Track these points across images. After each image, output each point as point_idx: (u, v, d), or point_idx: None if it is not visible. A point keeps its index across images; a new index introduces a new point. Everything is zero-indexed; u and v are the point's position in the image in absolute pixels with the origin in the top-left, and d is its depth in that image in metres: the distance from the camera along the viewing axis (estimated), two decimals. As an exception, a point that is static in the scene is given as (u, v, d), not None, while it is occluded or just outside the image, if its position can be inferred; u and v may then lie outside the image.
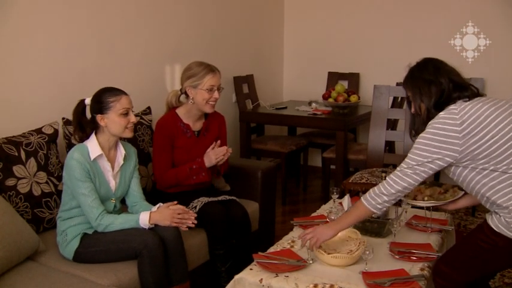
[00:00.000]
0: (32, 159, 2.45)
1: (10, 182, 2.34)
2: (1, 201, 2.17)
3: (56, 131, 2.64)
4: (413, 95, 2.07)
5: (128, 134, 2.38)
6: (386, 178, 2.01)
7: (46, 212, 2.46)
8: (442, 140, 1.90)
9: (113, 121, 2.31)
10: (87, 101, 2.39)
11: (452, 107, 1.94)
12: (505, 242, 1.88)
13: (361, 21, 4.88)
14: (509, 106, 1.94)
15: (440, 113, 1.95)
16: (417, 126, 2.09)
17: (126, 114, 2.33)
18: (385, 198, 1.98)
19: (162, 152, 2.73)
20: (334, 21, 5.01)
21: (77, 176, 2.23)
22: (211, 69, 2.73)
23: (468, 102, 1.94)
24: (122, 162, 2.42)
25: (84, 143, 2.34)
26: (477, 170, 1.92)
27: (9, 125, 2.58)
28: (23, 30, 2.68)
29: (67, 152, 2.66)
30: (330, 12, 5.03)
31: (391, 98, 3.80)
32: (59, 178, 2.56)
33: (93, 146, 2.32)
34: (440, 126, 1.91)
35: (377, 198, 2.00)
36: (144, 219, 2.29)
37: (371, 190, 2.04)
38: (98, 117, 2.32)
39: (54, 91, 2.88)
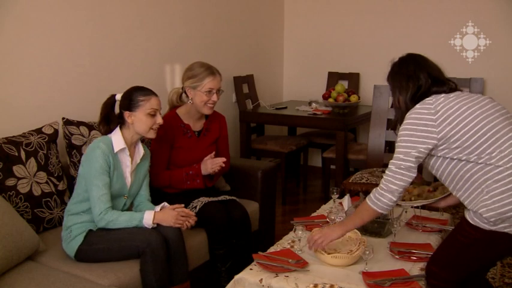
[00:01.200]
0: (32, 159, 2.45)
1: (10, 182, 2.34)
2: (1, 201, 2.16)
3: (56, 131, 2.64)
4: (393, 88, 2.15)
5: (152, 135, 2.41)
6: (384, 177, 2.01)
7: (46, 212, 2.46)
8: (420, 128, 1.94)
9: (140, 120, 2.34)
10: (118, 97, 2.42)
11: (427, 100, 2.00)
12: (481, 234, 1.88)
13: (361, 21, 4.88)
14: (482, 100, 1.99)
15: (416, 105, 2.01)
16: (396, 119, 2.17)
17: (153, 115, 2.36)
18: (389, 196, 1.99)
19: (159, 151, 2.73)
20: (334, 21, 5.01)
21: (97, 166, 2.25)
22: (211, 71, 2.72)
23: (443, 95, 2.00)
24: (138, 161, 2.44)
25: (108, 135, 2.37)
26: (453, 160, 1.94)
27: (9, 125, 2.58)
28: (22, 30, 2.69)
29: (67, 152, 2.67)
30: (330, 12, 5.03)
31: (391, 98, 3.79)
32: (59, 178, 2.56)
33: (117, 139, 2.35)
34: (416, 116, 1.97)
35: (382, 198, 2.00)
36: (148, 218, 2.29)
37: (374, 190, 2.04)
38: (126, 113, 2.35)
39: (54, 91, 2.88)
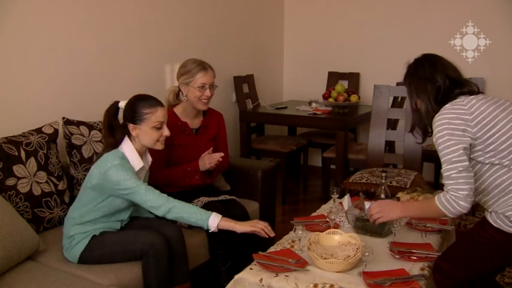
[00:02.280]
0: (32, 159, 2.45)
1: (10, 181, 2.34)
2: (1, 201, 2.16)
3: (56, 131, 2.63)
4: (410, 91, 2.10)
5: (159, 147, 2.30)
6: (447, 186, 1.91)
7: (46, 212, 2.46)
8: (458, 127, 1.89)
9: (145, 133, 2.24)
10: (121, 104, 2.30)
11: (458, 100, 1.96)
12: (503, 237, 1.88)
13: (362, 21, 4.88)
14: (509, 105, 1.97)
15: (446, 105, 1.96)
16: (414, 122, 2.12)
17: (159, 127, 2.26)
18: (463, 203, 1.88)
19: (157, 150, 2.72)
20: (334, 21, 5.01)
21: (126, 177, 2.14)
22: (203, 67, 2.72)
23: (473, 97, 1.96)
24: (147, 169, 2.39)
25: (120, 149, 2.24)
26: (485, 165, 1.92)
27: (9, 125, 2.58)
28: (23, 30, 2.68)
29: (67, 151, 2.67)
30: (330, 12, 5.02)
31: (391, 98, 3.80)
32: (59, 178, 2.56)
33: (133, 156, 2.25)
34: (451, 116, 1.92)
35: (454, 204, 1.89)
36: (214, 220, 2.20)
37: (445, 195, 1.92)
38: (130, 126, 2.24)
39: (54, 91, 2.88)
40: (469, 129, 1.90)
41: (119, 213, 2.33)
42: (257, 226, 2.24)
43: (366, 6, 4.84)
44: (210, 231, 2.23)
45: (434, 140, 1.96)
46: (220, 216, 2.23)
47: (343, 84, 4.42)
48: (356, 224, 2.40)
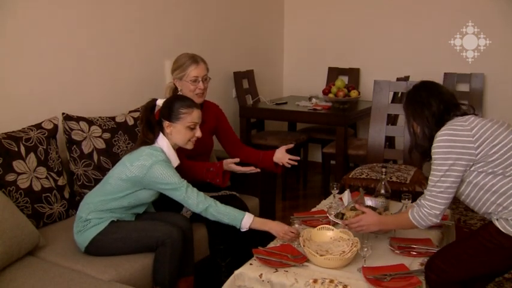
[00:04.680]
0: (32, 155, 2.45)
1: (10, 177, 2.34)
2: (1, 197, 2.16)
3: (56, 126, 2.63)
4: (407, 115, 2.18)
5: (190, 146, 2.39)
6: (426, 197, 2.04)
7: (46, 207, 2.46)
8: (457, 145, 1.95)
9: (179, 132, 2.32)
10: (159, 102, 2.39)
11: (458, 118, 2.02)
12: (510, 243, 1.89)
13: (362, 16, 4.87)
14: (503, 123, 2.02)
15: (447, 124, 2.02)
16: (411, 145, 2.21)
17: (193, 128, 2.34)
18: (434, 220, 2.04)
19: None
20: (334, 17, 5.00)
21: (171, 174, 2.22)
22: (194, 60, 2.72)
23: (472, 115, 2.04)
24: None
25: (157, 146, 2.32)
26: (488, 175, 1.95)
27: (9, 120, 2.58)
28: (22, 25, 2.68)
29: (67, 147, 2.67)
30: (330, 7, 5.01)
31: (391, 93, 3.80)
32: (59, 173, 2.56)
33: (170, 152, 2.33)
34: (451, 132, 1.97)
35: (426, 220, 2.05)
36: (247, 221, 2.29)
37: (418, 207, 2.06)
38: (166, 123, 2.32)
39: (53, 86, 2.87)
40: (470, 144, 1.94)
41: (140, 206, 2.37)
42: (288, 235, 2.26)
43: (366, 2, 4.83)
44: (242, 230, 2.30)
45: (432, 152, 2.01)
46: (253, 216, 2.30)
47: (343, 80, 4.42)
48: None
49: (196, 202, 2.25)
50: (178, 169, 2.36)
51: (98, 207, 2.27)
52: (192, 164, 2.70)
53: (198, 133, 2.37)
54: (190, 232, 2.35)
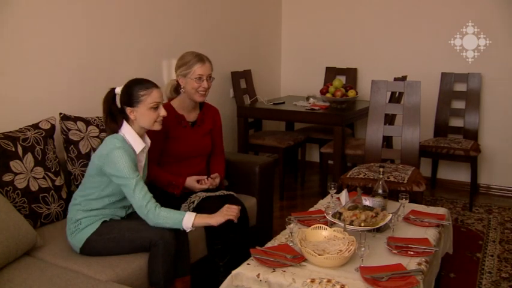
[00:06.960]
0: (29, 155, 2.45)
1: (7, 177, 2.34)
2: (-2, 197, 2.16)
3: (53, 126, 2.63)
4: None
5: (157, 127, 2.36)
6: None
7: (43, 208, 2.46)
8: None
9: (143, 114, 2.30)
10: (118, 90, 2.37)
11: None
12: None
13: (360, 16, 4.87)
14: None
15: None
16: None
17: (156, 107, 2.31)
18: None
19: (152, 143, 2.72)
20: (332, 17, 5.01)
21: (128, 163, 2.19)
22: (200, 58, 2.75)
23: None
24: (146, 152, 2.43)
25: (120, 133, 2.30)
26: None
27: (6, 120, 2.57)
28: (19, 26, 2.67)
29: (64, 147, 2.67)
30: (327, 8, 5.02)
31: (389, 93, 3.80)
32: (56, 173, 2.55)
33: (133, 137, 2.31)
34: None
35: None
36: (188, 220, 2.24)
37: None
38: (128, 109, 2.30)
39: (51, 86, 2.87)
40: None
41: (124, 198, 2.34)
42: (230, 214, 2.30)
43: (364, 2, 4.84)
44: (187, 231, 2.27)
45: None
46: (195, 214, 2.26)
47: (340, 80, 4.42)
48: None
49: (139, 205, 2.21)
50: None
51: (84, 207, 2.28)
52: (157, 174, 2.73)
53: (163, 112, 2.33)
54: (184, 232, 2.33)
